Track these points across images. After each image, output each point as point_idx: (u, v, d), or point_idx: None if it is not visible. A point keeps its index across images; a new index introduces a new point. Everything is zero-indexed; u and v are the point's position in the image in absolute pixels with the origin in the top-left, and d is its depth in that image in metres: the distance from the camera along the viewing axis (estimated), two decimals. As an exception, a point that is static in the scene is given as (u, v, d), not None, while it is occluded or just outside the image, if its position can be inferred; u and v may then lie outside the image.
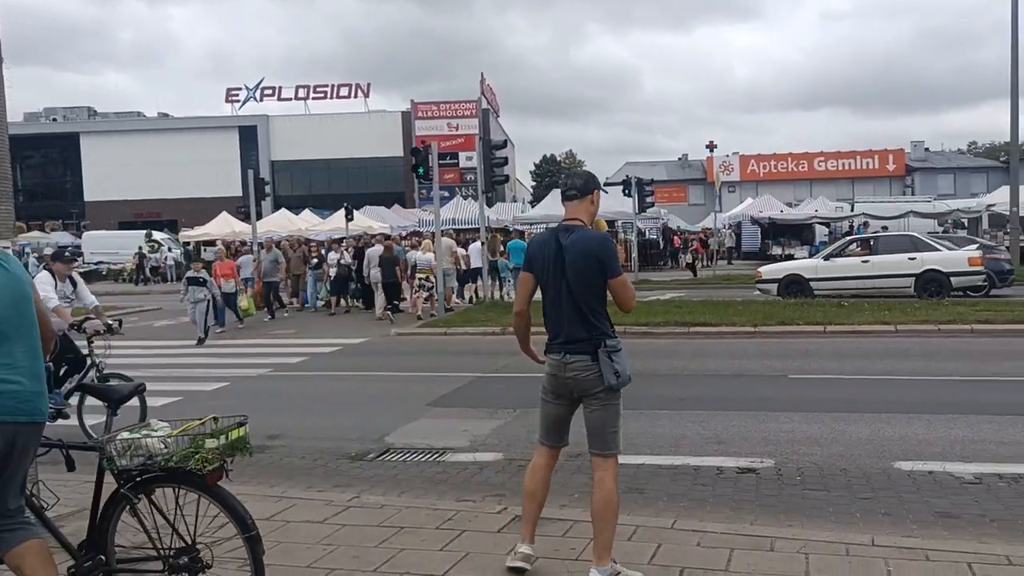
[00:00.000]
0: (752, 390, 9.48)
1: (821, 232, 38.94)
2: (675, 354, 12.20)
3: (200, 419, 3.63)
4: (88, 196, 58.80)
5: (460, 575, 4.27)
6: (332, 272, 20.32)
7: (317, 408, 9.42)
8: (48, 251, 23.45)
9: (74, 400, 8.14)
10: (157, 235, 42.63)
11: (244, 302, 17.58)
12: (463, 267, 20.53)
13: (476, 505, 5.52)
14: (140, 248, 37.75)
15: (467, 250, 21.18)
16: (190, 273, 16.06)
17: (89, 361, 8.03)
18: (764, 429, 7.47)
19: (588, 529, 4.81)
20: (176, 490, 3.64)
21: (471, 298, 21.65)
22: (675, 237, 39.95)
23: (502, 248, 22.96)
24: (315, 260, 21.57)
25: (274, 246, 20.73)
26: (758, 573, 4.16)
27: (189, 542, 3.62)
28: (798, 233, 38.97)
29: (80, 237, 47.67)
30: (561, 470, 6.48)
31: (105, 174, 57.83)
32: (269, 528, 5.06)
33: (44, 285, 7.99)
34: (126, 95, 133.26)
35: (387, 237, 21.43)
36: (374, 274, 18.57)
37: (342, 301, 20.56)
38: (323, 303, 20.88)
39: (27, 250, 39.28)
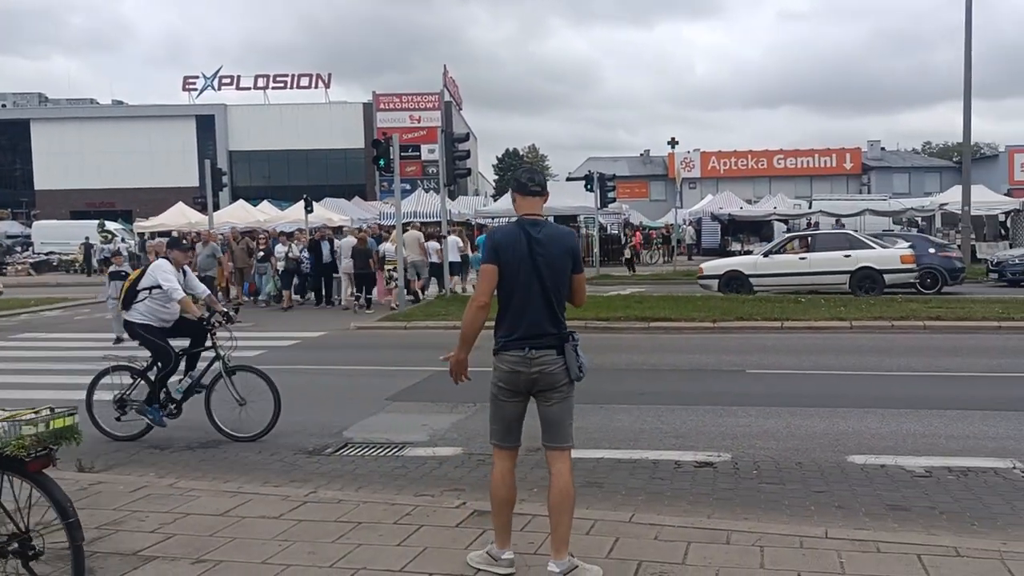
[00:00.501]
0: (710, 385, 9.57)
1: (780, 229, 39.49)
2: (635, 349, 12.27)
3: (35, 408, 3.68)
4: (39, 184, 57.36)
5: (418, 570, 4.23)
6: (280, 266, 19.67)
7: (274, 402, 9.27)
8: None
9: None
10: (111, 225, 41.77)
11: None
12: (429, 260, 20.26)
13: (434, 500, 5.49)
14: (87, 238, 36.93)
15: (441, 244, 20.77)
16: (112, 268, 14.98)
17: (214, 353, 7.65)
18: (721, 423, 7.54)
19: (546, 523, 4.79)
20: (1, 476, 3.66)
21: (450, 291, 21.13)
22: (636, 233, 40.25)
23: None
24: (261, 253, 20.69)
25: (211, 239, 19.80)
26: (714, 566, 4.20)
27: (21, 528, 3.65)
28: (757, 230, 39.47)
29: (30, 227, 46.50)
30: (519, 465, 6.48)
31: (57, 162, 56.48)
32: (224, 524, 4.99)
33: (168, 275, 7.52)
34: (77, 81, 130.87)
35: (359, 230, 21.19)
36: (346, 264, 18.65)
37: (291, 296, 19.96)
38: (272, 297, 20.26)
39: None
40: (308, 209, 30.74)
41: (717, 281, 19.37)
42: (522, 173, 4.30)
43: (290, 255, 19.50)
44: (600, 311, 15.61)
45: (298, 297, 20.39)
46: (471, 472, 6.36)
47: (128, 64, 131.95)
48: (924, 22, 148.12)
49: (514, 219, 4.24)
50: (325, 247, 19.43)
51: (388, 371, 10.99)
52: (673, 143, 50.54)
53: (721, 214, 40.17)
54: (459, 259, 21.51)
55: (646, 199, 61.15)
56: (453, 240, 21.40)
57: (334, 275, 19.74)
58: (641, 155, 69.86)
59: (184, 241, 8.81)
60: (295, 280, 20.08)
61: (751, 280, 19.05)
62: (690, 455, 6.58)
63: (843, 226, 31.72)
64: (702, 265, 20.95)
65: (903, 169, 63.29)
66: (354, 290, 18.71)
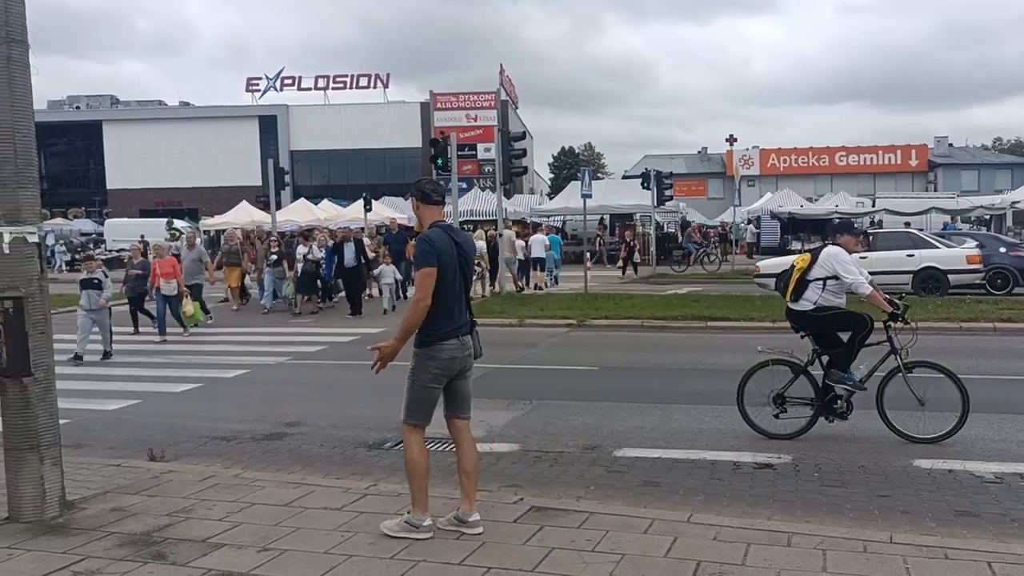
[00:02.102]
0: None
1: (842, 228, 38.60)
2: (692, 349, 12.15)
3: None
4: (111, 184, 59.29)
5: (478, 564, 4.27)
6: (299, 267, 17.94)
7: (335, 396, 9.47)
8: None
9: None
10: (178, 223, 42.88)
11: (189, 307, 14.99)
12: (521, 256, 22.07)
13: (492, 495, 5.54)
14: (142, 236, 37.98)
15: (528, 241, 22.74)
16: (83, 275, 13.03)
17: (889, 347, 6.94)
18: (782, 424, 7.43)
19: (604, 521, 4.83)
20: None
21: (536, 285, 22.65)
22: (696, 230, 39.84)
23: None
24: (274, 256, 18.75)
25: (197, 243, 17.73)
26: (775, 568, 4.16)
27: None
28: (819, 228, 38.64)
29: (102, 224, 48.07)
30: (577, 462, 6.51)
31: (128, 162, 58.29)
32: (288, 514, 5.11)
33: (848, 266, 6.89)
34: (145, 84, 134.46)
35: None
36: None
37: (316, 299, 18.51)
38: (287, 302, 18.39)
39: (51, 237, 39.74)
40: (367, 207, 31.17)
41: (775, 280, 19.01)
42: (425, 184, 4.88)
43: (309, 256, 17.98)
44: (657, 310, 15.52)
45: (320, 298, 18.87)
46: (528, 468, 6.40)
47: (192, 66, 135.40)
48: (990, 13, 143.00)
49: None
50: (349, 249, 17.64)
51: (446, 368, 11.05)
52: (732, 141, 49.82)
53: (781, 212, 39.48)
54: (543, 256, 23.04)
55: (704, 197, 60.45)
56: (539, 238, 23.15)
57: (378, 278, 18.77)
58: (699, 152, 69.11)
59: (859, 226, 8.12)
60: (319, 283, 18.60)
61: None
62: (749, 456, 6.51)
63: (955, 224, 30.61)
64: (759, 264, 20.63)
65: (972, 166, 61.27)
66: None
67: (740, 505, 5.42)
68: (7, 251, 4.92)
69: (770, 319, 14.01)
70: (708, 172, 64.01)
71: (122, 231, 43.65)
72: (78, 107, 63.67)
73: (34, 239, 5.01)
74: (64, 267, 37.56)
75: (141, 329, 15.24)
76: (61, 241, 40.04)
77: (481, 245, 19.98)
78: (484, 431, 7.53)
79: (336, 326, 15.76)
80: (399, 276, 19.12)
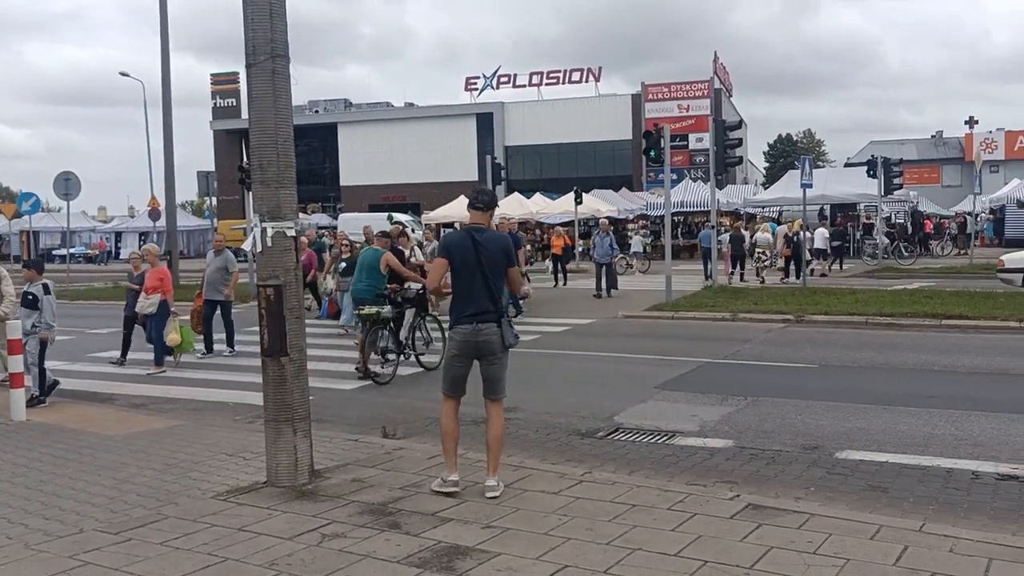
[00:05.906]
0: (1017, 390, 8.62)
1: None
2: (924, 348, 11.31)
3: None
4: (344, 181, 63.99)
5: (694, 556, 4.29)
6: None
7: (549, 384, 9.71)
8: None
9: None
10: (400, 216, 45.58)
11: (175, 334, 11.28)
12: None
13: (707, 490, 5.51)
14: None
15: (812, 233, 24.00)
16: (26, 287, 9.10)
17: None
18: (1030, 434, 6.79)
19: (826, 523, 4.70)
20: None
21: (813, 272, 23.45)
22: (926, 221, 36.85)
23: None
24: (343, 263, 15.81)
25: (225, 248, 12.97)
26: (1020, 587, 3.85)
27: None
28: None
29: (336, 219, 52.11)
30: (796, 462, 6.32)
31: (358, 161, 62.67)
32: (509, 495, 5.38)
33: None
34: (369, 87, 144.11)
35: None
36: (733, 247, 22.92)
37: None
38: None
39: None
40: (578, 201, 31.56)
41: (1022, 275, 17.22)
42: (472, 192, 5.64)
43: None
44: (883, 306, 14.58)
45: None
46: (743, 466, 6.29)
47: (410, 67, 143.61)
48: None
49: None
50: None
51: (656, 360, 11.07)
52: (972, 123, 45.46)
53: (1031, 201, 35.53)
54: (825, 247, 24.40)
55: (937, 185, 55.69)
56: (822, 231, 24.82)
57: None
58: (932, 137, 63.59)
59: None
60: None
61: None
62: (990, 465, 6.01)
63: None
64: (1003, 257, 18.69)
65: None
66: (729, 267, 22.86)
67: (980, 518, 5.03)
68: (270, 244, 5.55)
69: (1016, 318, 12.76)
70: (943, 158, 58.83)
71: (353, 224, 46.94)
72: (317, 111, 69.19)
73: (291, 233, 5.61)
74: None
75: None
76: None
77: (761, 236, 23.43)
78: (697, 425, 7.50)
79: (546, 316, 16.12)
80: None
